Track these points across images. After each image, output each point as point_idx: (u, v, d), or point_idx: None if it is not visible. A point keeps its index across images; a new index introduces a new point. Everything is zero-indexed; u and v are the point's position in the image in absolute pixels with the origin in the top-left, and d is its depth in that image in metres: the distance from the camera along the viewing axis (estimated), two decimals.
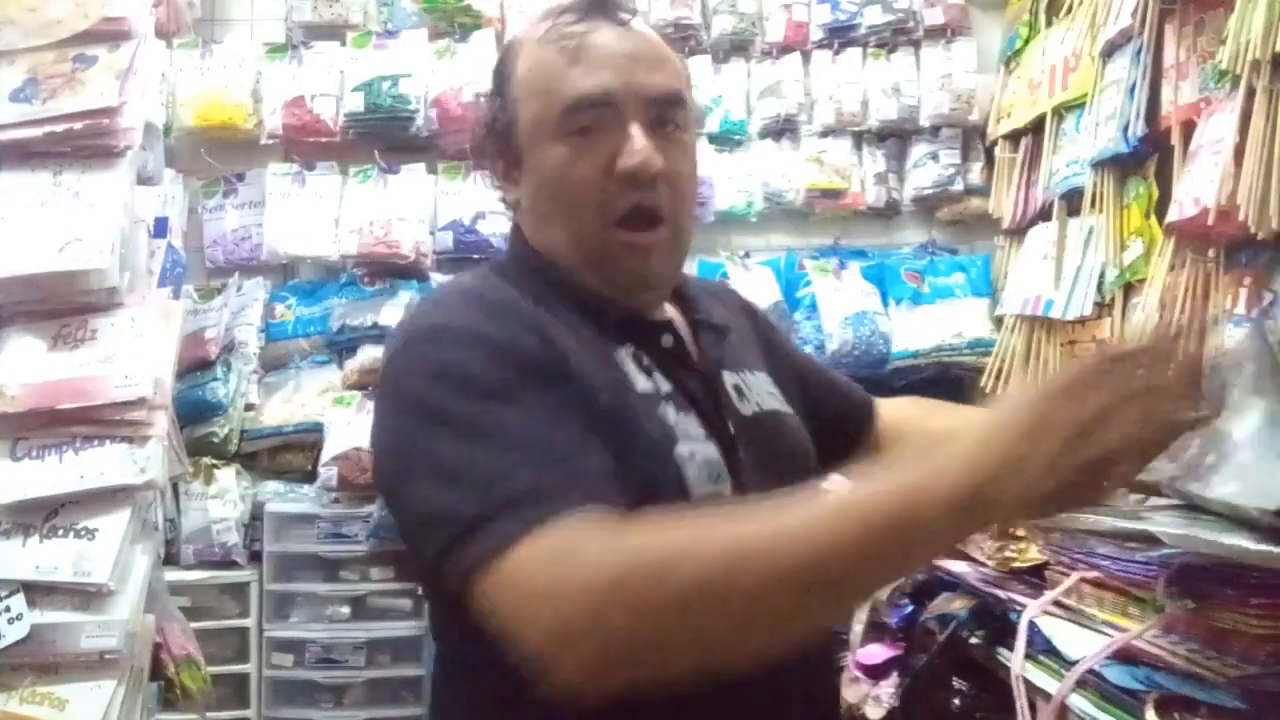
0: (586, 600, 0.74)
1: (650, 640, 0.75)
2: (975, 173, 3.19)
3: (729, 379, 1.05)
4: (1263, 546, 0.93)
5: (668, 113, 1.00)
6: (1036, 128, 2.75)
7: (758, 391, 1.08)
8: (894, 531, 0.74)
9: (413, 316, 0.99)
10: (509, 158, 1.03)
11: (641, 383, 0.97)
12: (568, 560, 0.76)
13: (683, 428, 0.95)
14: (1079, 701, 1.19)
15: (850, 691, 2.20)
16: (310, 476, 3.00)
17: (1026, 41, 2.89)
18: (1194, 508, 1.08)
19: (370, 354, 3.04)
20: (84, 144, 1.95)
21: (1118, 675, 1.15)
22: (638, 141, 0.96)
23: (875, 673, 1.79)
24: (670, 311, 1.07)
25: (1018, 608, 1.40)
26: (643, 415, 0.94)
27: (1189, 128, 1.97)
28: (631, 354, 0.98)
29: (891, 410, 1.30)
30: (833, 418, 1.20)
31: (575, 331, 0.96)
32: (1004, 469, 0.73)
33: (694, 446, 0.95)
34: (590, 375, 0.92)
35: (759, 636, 0.77)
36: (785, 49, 3.26)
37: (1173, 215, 1.92)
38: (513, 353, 0.89)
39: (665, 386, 0.98)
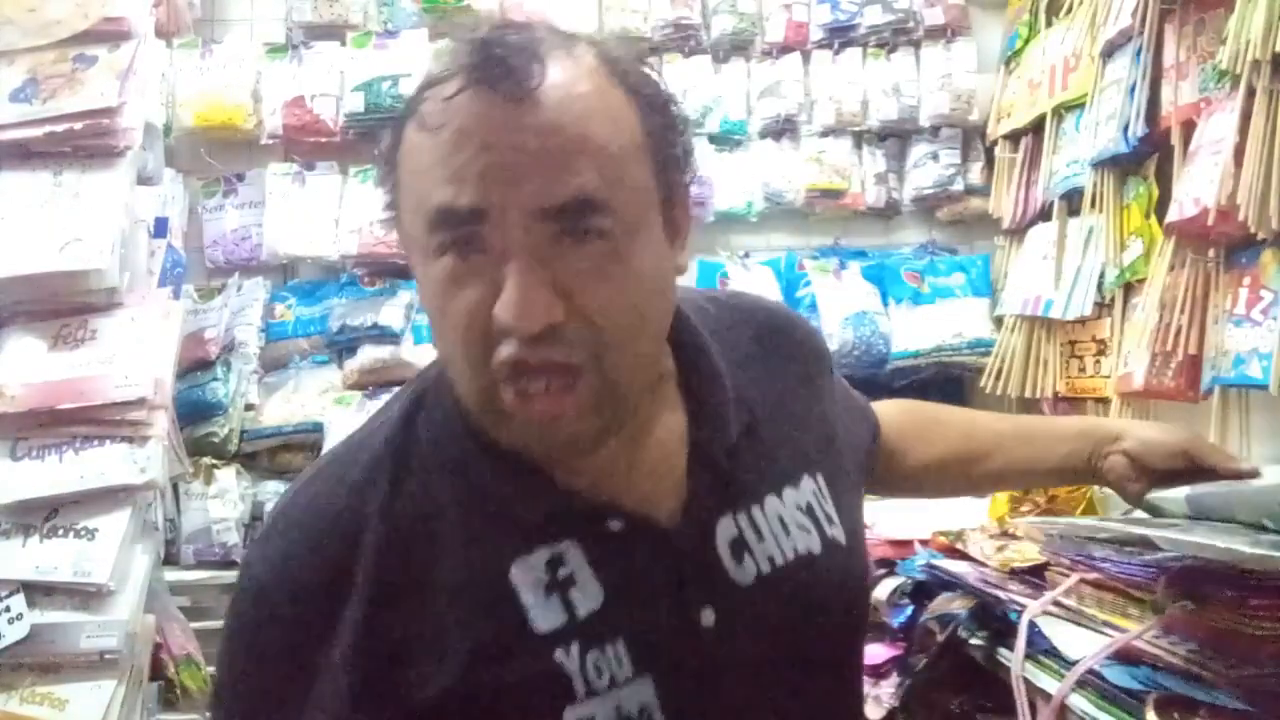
0: None
1: None
2: (975, 173, 3.19)
3: (727, 532, 0.81)
4: (1259, 550, 0.93)
5: (579, 223, 0.70)
6: (1036, 128, 2.75)
7: (777, 531, 0.83)
8: None
9: (261, 541, 0.80)
10: (409, 242, 0.76)
11: (543, 615, 0.74)
12: None
13: (589, 676, 0.73)
14: (1079, 701, 1.19)
15: None
16: None
17: (1026, 41, 2.89)
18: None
19: (370, 354, 3.04)
20: (84, 144, 1.95)
21: (1118, 675, 1.15)
22: (513, 286, 0.68)
23: (875, 673, 1.79)
24: (664, 435, 0.82)
25: (1018, 608, 1.40)
26: (525, 670, 0.73)
27: (1189, 128, 1.97)
28: (548, 562, 0.75)
29: (888, 422, 1.13)
30: None
31: (471, 543, 0.75)
32: None
33: (599, 705, 0.73)
34: (459, 637, 0.73)
35: None
36: (785, 49, 3.26)
37: (1173, 215, 1.92)
38: (283, 632, 0.74)
39: (589, 606, 0.75)
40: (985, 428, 1.21)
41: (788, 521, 0.83)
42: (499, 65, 0.70)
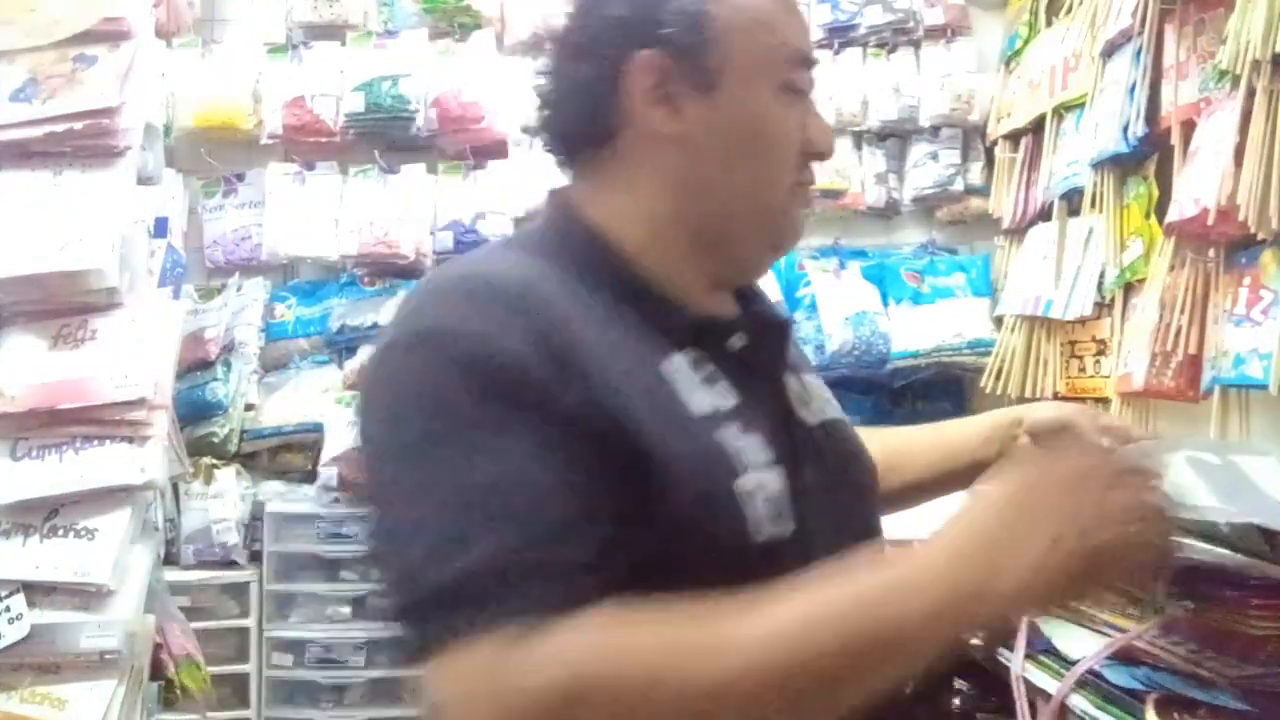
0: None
1: None
2: (975, 173, 3.19)
3: (792, 384, 0.93)
4: (1253, 560, 0.93)
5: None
6: (1036, 128, 2.75)
7: (818, 397, 0.96)
8: (870, 645, 0.67)
9: (407, 312, 0.82)
10: (685, 77, 0.85)
11: (698, 400, 0.82)
12: (513, 678, 0.65)
13: (747, 455, 0.81)
14: (1079, 701, 1.19)
15: None
16: (310, 476, 3.00)
17: (1026, 41, 2.89)
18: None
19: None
20: (84, 144, 1.95)
21: (1118, 675, 1.15)
22: (825, 123, 0.92)
23: None
24: (729, 307, 0.94)
25: None
26: (696, 445, 0.79)
27: (1189, 128, 1.97)
28: (692, 361, 0.83)
29: None
30: None
31: (623, 337, 0.81)
32: (988, 570, 0.67)
33: (759, 478, 0.80)
34: (627, 395, 0.77)
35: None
36: None
37: (1173, 215, 1.92)
38: (507, 373, 0.74)
39: (730, 401, 0.83)
40: (895, 437, 1.21)
41: (821, 393, 0.98)
42: None
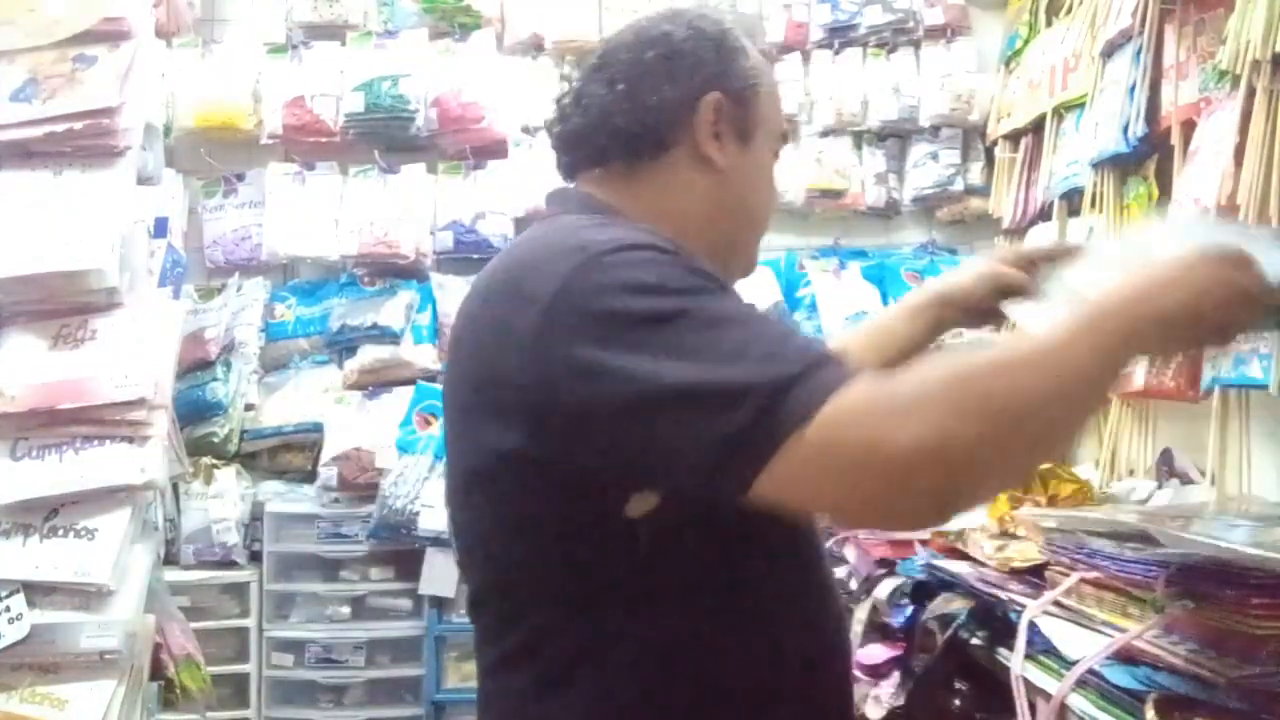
0: (935, 418, 0.76)
1: (994, 444, 0.79)
2: (975, 173, 3.20)
3: None
4: (1257, 551, 0.93)
5: None
6: (1036, 128, 2.75)
7: None
8: (1118, 330, 0.86)
9: (579, 244, 0.89)
10: (735, 125, 1.04)
11: None
12: (893, 395, 0.78)
13: None
14: (1079, 701, 1.19)
15: None
16: (310, 476, 3.01)
17: (1026, 41, 2.89)
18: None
19: (370, 354, 3.04)
20: (84, 144, 1.95)
21: (1118, 675, 1.15)
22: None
23: (875, 673, 1.79)
24: None
25: (1018, 608, 1.40)
26: None
27: (1189, 128, 1.97)
28: None
29: None
30: None
31: None
32: (1152, 309, 0.87)
33: None
34: None
35: (1059, 429, 0.86)
36: (785, 49, 3.26)
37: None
38: (699, 270, 0.90)
39: None
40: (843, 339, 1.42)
41: None
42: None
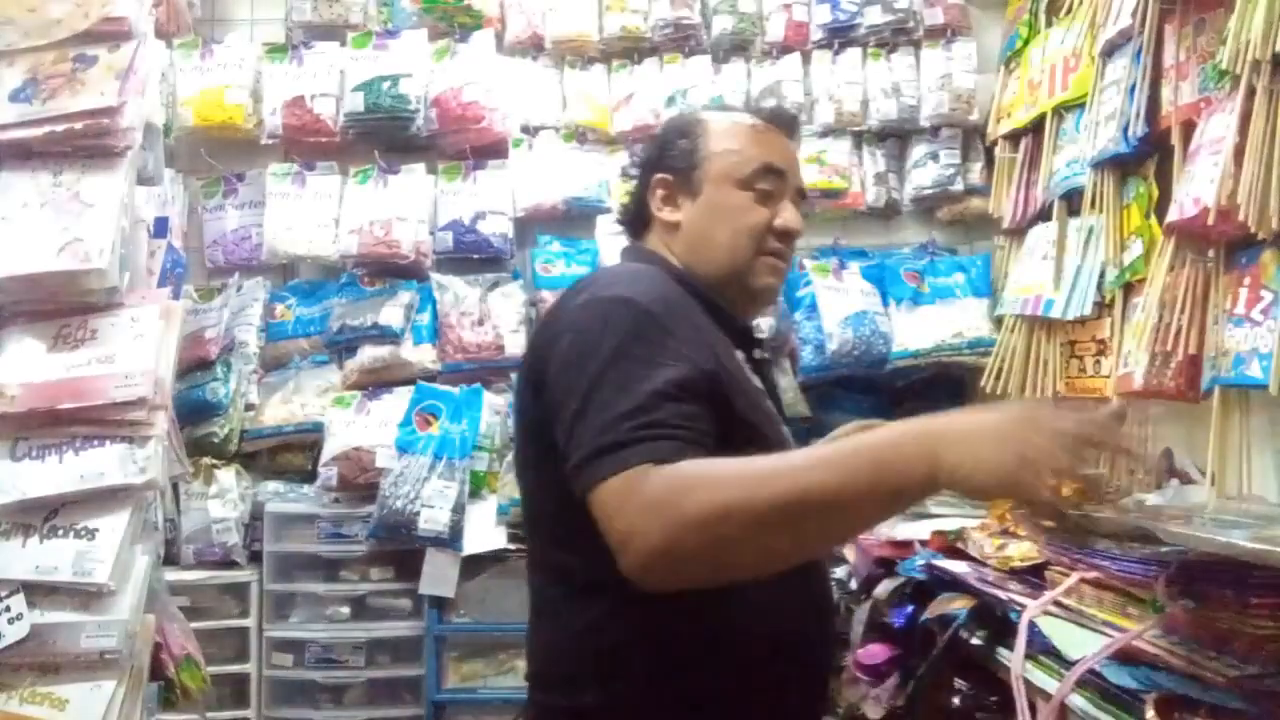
0: (671, 530, 0.99)
1: (718, 556, 1.00)
2: (975, 173, 3.20)
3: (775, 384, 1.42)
4: (1258, 545, 0.93)
5: (803, 201, 1.41)
6: (1036, 128, 2.75)
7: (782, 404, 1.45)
8: (872, 467, 0.99)
9: (601, 285, 1.23)
10: (682, 188, 1.37)
11: (754, 381, 1.31)
12: (653, 495, 1.01)
13: (774, 418, 1.31)
14: (1079, 701, 1.19)
15: (850, 691, 2.20)
16: (310, 476, 3.01)
17: (1026, 41, 2.89)
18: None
19: (370, 354, 3.04)
20: (84, 144, 1.95)
21: (1118, 675, 1.15)
22: (794, 211, 1.37)
23: (875, 673, 1.80)
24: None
25: (1018, 608, 1.40)
26: (756, 406, 1.26)
27: (1189, 128, 1.97)
28: (744, 358, 1.32)
29: None
30: None
31: (717, 330, 1.27)
32: (960, 441, 0.97)
33: (778, 432, 1.29)
34: (732, 371, 1.23)
35: (793, 546, 1.04)
36: (785, 49, 3.26)
37: (1173, 215, 1.92)
38: (665, 331, 1.15)
39: (760, 385, 1.33)
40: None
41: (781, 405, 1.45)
42: (786, 122, 1.46)
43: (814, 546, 1.16)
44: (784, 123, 1.45)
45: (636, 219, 1.43)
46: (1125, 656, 1.18)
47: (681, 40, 3.27)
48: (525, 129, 3.23)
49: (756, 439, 1.18)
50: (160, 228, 2.21)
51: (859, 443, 1.02)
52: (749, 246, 1.34)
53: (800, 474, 1.00)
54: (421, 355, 3.08)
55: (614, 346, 1.12)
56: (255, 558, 2.95)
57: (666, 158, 1.39)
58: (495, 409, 3.00)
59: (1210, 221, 1.78)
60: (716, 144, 1.37)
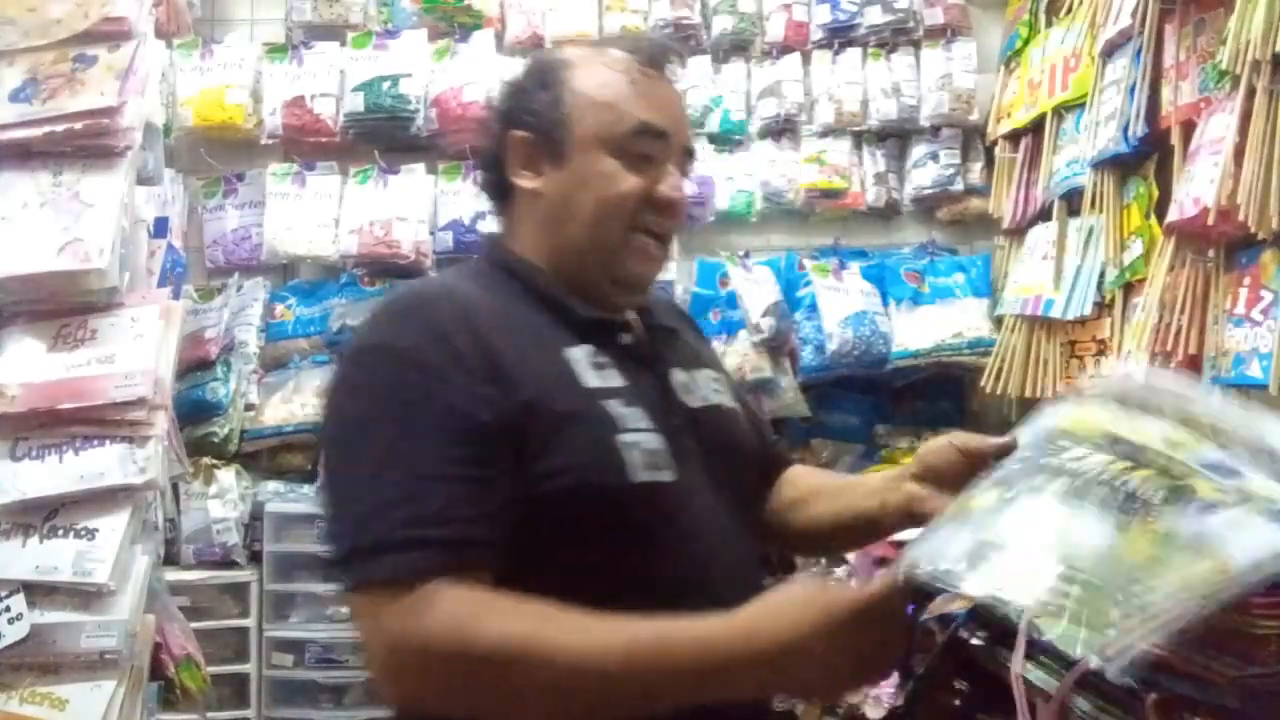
0: (421, 665, 0.90)
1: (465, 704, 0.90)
2: (975, 173, 3.19)
3: (677, 376, 1.16)
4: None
5: (688, 163, 1.18)
6: (1036, 128, 2.75)
7: (704, 387, 1.19)
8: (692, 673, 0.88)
9: (368, 327, 1.08)
10: (542, 150, 1.13)
11: (590, 379, 1.06)
12: (408, 617, 0.89)
13: (628, 419, 1.04)
14: (1079, 701, 1.19)
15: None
16: (310, 476, 3.00)
17: (1026, 41, 2.89)
18: None
19: None
20: (84, 144, 1.95)
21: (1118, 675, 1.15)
22: (677, 179, 1.14)
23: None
24: (630, 316, 1.18)
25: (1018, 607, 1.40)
26: (586, 407, 1.04)
27: (1189, 128, 1.97)
28: (588, 353, 1.08)
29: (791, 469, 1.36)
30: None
31: (534, 333, 1.07)
32: (794, 667, 0.90)
33: (637, 436, 1.04)
34: (533, 376, 1.02)
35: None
36: (785, 49, 3.26)
37: (1173, 215, 1.92)
38: (428, 381, 0.98)
39: (617, 382, 1.07)
40: (813, 477, 1.35)
41: (708, 385, 1.20)
42: (666, 60, 1.16)
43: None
44: (667, 61, 1.17)
45: (495, 185, 1.18)
46: None
47: (681, 40, 3.27)
48: None
49: (603, 443, 1.01)
50: (160, 228, 2.22)
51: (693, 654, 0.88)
52: (618, 224, 1.11)
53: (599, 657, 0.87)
54: None
55: (368, 418, 0.98)
56: (255, 558, 2.95)
57: (525, 111, 1.14)
58: None
59: (1210, 221, 1.78)
60: (582, 97, 1.12)
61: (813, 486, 1.29)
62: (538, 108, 1.13)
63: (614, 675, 0.87)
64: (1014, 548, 0.87)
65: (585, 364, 1.07)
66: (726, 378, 1.29)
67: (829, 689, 0.96)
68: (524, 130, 1.13)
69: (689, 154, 1.18)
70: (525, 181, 1.14)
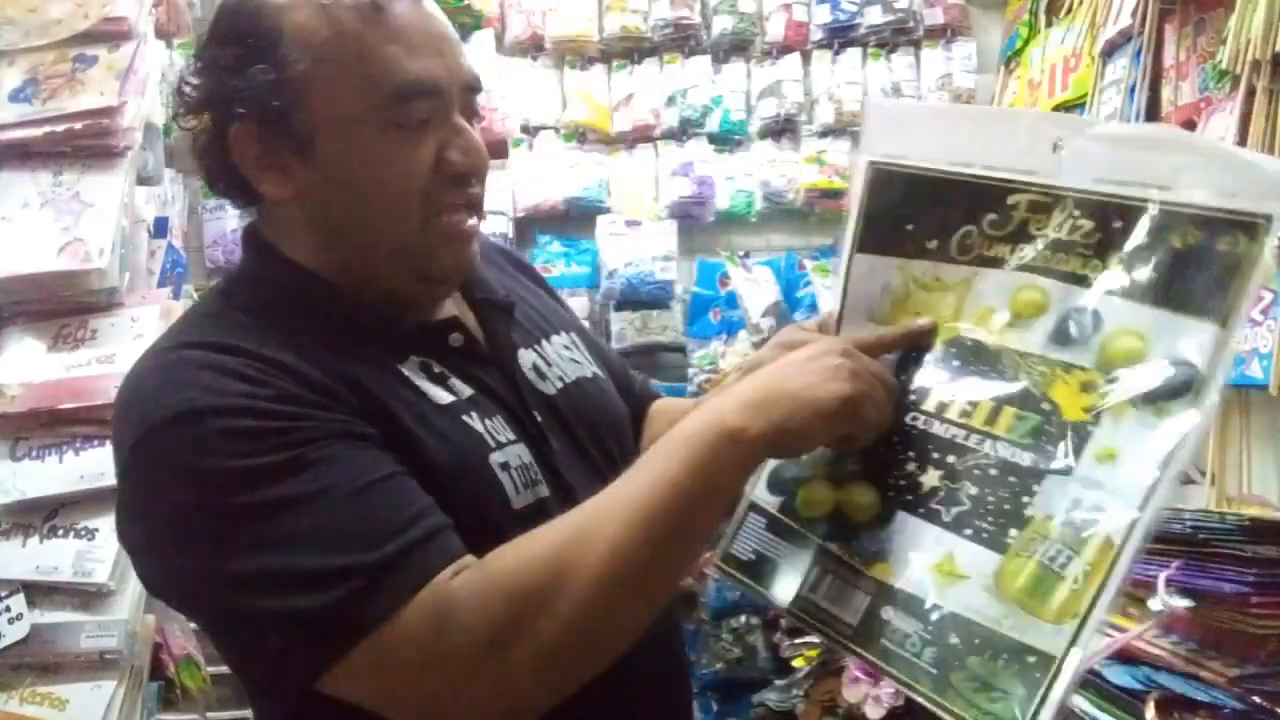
0: (480, 654, 0.73)
1: (561, 655, 0.75)
2: None
3: (525, 359, 1.00)
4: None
5: (473, 100, 0.91)
6: None
7: (558, 362, 1.03)
8: (691, 480, 0.76)
9: (142, 402, 0.80)
10: (279, 143, 0.85)
11: (440, 395, 0.89)
12: (443, 625, 0.73)
13: (493, 434, 0.90)
14: (1079, 701, 1.19)
15: (850, 691, 2.20)
16: None
17: (1026, 41, 2.89)
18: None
19: None
20: (84, 144, 1.95)
21: (1118, 675, 1.15)
22: (469, 138, 0.88)
23: (876, 673, 1.79)
24: (450, 307, 0.98)
25: None
26: (446, 429, 0.86)
27: (1189, 128, 1.97)
28: (420, 365, 0.90)
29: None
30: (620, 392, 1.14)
31: (356, 355, 0.86)
32: (735, 401, 0.77)
33: (507, 454, 0.89)
34: (382, 401, 0.84)
35: (643, 601, 0.77)
36: (785, 49, 3.27)
37: None
38: (288, 413, 0.78)
39: (466, 391, 0.91)
40: (670, 405, 1.22)
41: (562, 357, 1.05)
42: None
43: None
44: None
45: (239, 190, 0.91)
46: (1125, 656, 1.17)
47: (681, 40, 3.27)
48: (525, 129, 3.23)
49: (478, 470, 0.86)
50: (160, 228, 2.21)
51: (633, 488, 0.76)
52: (410, 216, 0.87)
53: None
54: None
55: (221, 495, 0.76)
56: None
57: (240, 94, 0.84)
58: None
59: None
60: (312, 60, 0.83)
61: (668, 411, 1.17)
62: (255, 87, 0.84)
63: (643, 504, 0.75)
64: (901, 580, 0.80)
65: (423, 377, 0.89)
66: (578, 332, 1.13)
67: (803, 408, 0.75)
68: (246, 121, 0.85)
69: (472, 90, 0.90)
70: (272, 188, 0.88)
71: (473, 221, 0.91)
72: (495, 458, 0.88)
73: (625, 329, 3.11)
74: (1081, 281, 0.80)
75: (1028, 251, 0.82)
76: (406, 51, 0.85)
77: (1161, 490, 0.71)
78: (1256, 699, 1.03)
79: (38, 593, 1.78)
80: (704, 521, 0.78)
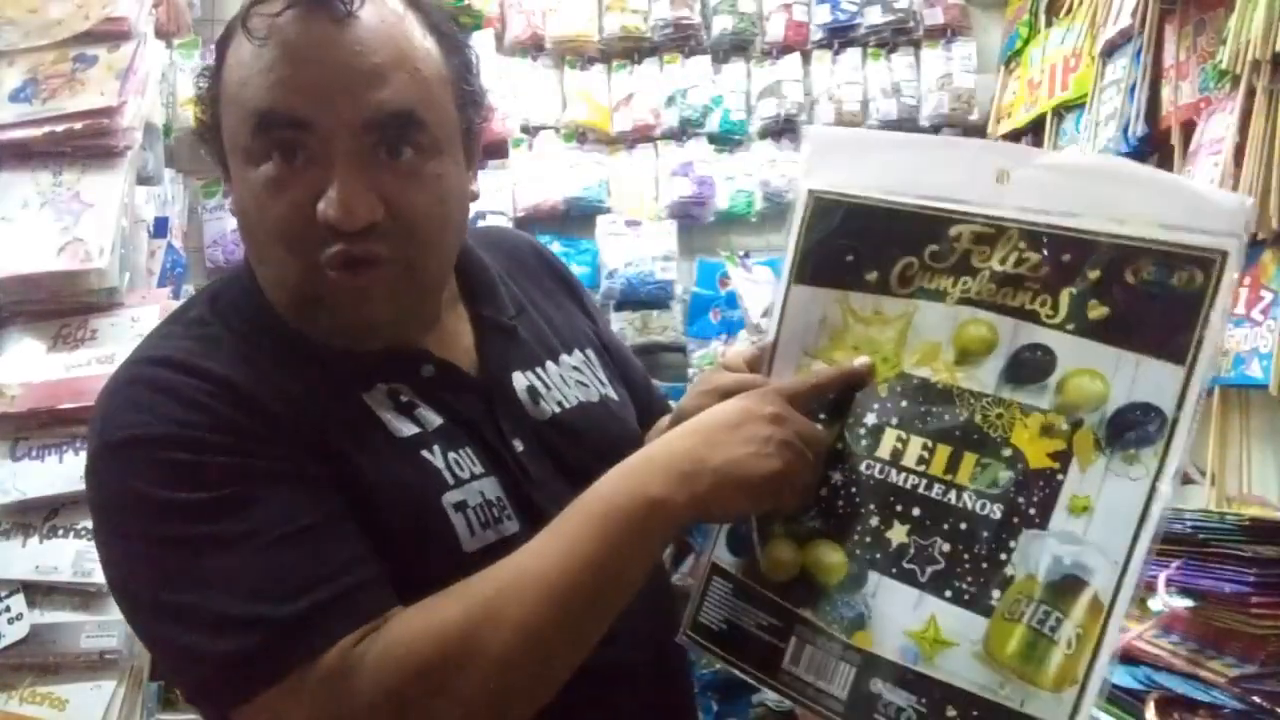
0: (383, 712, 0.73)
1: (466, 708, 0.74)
2: None
3: (520, 382, 0.96)
4: None
5: (397, 136, 0.80)
6: (1036, 128, 2.75)
7: (559, 385, 0.99)
8: (619, 534, 0.76)
9: (103, 418, 0.81)
10: (222, 160, 0.86)
11: (402, 427, 0.86)
12: (339, 691, 0.72)
13: (454, 469, 0.86)
14: None
15: None
16: None
17: (1026, 41, 2.89)
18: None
19: None
20: (84, 144, 1.95)
21: (1118, 675, 1.15)
22: (339, 188, 0.78)
23: None
24: (451, 319, 0.96)
25: None
26: (402, 470, 0.84)
27: (1189, 128, 1.97)
28: (387, 393, 0.87)
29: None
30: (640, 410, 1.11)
31: (321, 381, 0.84)
32: (660, 470, 0.77)
33: (467, 491, 0.86)
34: (336, 436, 0.82)
35: (553, 672, 0.76)
36: (785, 49, 3.26)
37: None
38: (233, 447, 0.77)
39: (434, 421, 0.88)
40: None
41: (567, 379, 1.00)
42: None
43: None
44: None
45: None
46: (1125, 656, 1.18)
47: (681, 40, 3.27)
48: (525, 129, 3.23)
49: (427, 511, 0.83)
50: (160, 228, 2.21)
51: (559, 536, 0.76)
52: (289, 259, 0.81)
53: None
54: None
55: (149, 537, 0.77)
56: None
57: (205, 100, 0.86)
58: None
59: None
60: (227, 84, 0.82)
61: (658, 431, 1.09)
62: (206, 108, 0.85)
63: (555, 581, 0.74)
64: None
65: (387, 408, 0.86)
66: (599, 349, 1.08)
67: (731, 463, 0.75)
68: (209, 144, 0.87)
69: (387, 124, 0.79)
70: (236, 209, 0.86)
71: (361, 278, 0.80)
72: (450, 497, 0.85)
73: (625, 329, 3.11)
74: (1031, 317, 0.77)
75: (971, 285, 0.80)
76: (272, 82, 0.78)
77: (1143, 547, 0.70)
78: (1256, 699, 1.03)
79: (38, 593, 1.78)
80: (620, 594, 0.78)
